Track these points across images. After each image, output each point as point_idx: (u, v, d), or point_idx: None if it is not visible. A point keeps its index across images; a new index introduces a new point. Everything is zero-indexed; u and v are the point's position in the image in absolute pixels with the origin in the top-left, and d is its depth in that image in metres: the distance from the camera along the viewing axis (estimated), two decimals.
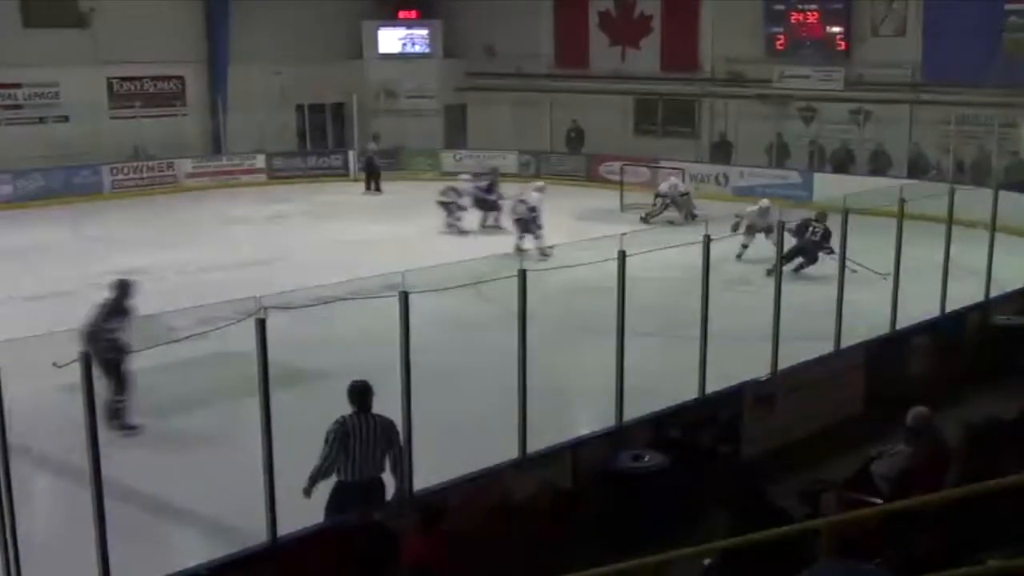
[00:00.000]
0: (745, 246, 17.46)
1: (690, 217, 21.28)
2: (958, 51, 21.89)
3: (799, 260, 16.24)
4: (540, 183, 20.31)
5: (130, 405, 10.09)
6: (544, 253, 17.00)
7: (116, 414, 9.95)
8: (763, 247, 16.51)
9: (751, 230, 17.39)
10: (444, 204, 20.87)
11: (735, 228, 16.77)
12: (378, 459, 7.43)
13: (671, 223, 20.63)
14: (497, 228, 20.31)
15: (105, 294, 10.24)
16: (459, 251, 15.16)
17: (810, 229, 16.33)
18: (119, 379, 9.93)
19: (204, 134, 28.28)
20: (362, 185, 26.51)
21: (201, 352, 9.72)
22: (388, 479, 7.54)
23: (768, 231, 16.86)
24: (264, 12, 27.79)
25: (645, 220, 21.04)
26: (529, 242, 17.74)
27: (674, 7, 27.70)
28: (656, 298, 13.20)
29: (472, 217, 20.92)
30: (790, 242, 15.25)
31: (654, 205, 21.59)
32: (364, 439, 7.35)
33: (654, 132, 27.74)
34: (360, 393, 7.45)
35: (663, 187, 21.87)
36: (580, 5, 29.30)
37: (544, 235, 17.75)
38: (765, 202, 17.99)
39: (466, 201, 20.86)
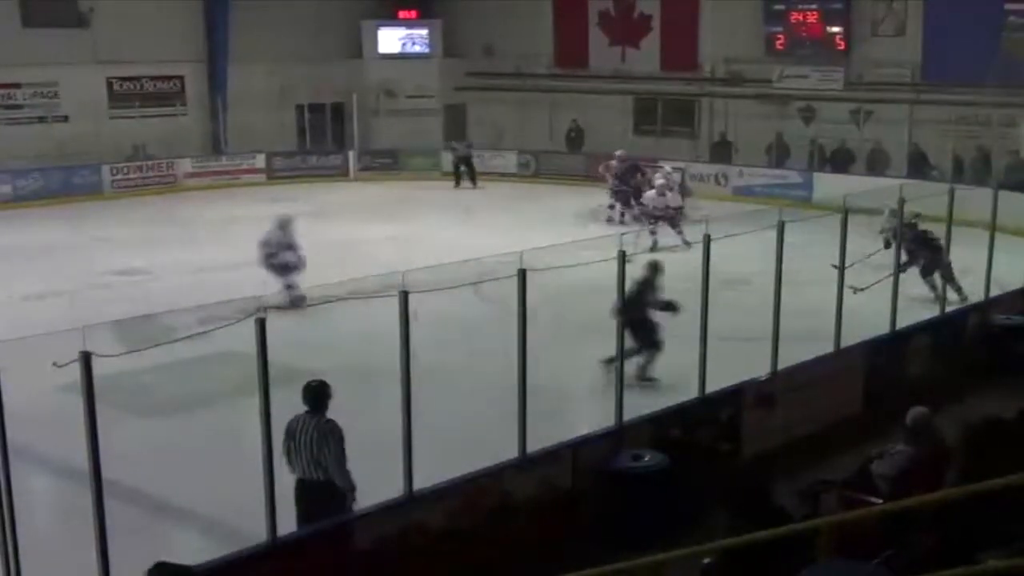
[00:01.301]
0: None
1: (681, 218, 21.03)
2: (958, 51, 21.87)
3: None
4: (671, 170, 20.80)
5: (653, 362, 11.37)
6: (686, 242, 15.92)
7: (642, 368, 11.31)
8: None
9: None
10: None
11: (887, 244, 15.43)
12: (318, 462, 7.34)
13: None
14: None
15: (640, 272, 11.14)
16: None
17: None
18: (654, 341, 11.32)
19: (204, 134, 28.24)
20: (453, 182, 26.88)
21: (201, 352, 9.70)
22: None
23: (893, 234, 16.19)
24: (264, 12, 27.73)
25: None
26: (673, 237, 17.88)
27: (674, 7, 27.64)
28: None
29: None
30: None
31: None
32: (296, 441, 7.34)
33: (654, 132, 27.72)
34: (310, 393, 7.44)
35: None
36: (580, 5, 29.25)
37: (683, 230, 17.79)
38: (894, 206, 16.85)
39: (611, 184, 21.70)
